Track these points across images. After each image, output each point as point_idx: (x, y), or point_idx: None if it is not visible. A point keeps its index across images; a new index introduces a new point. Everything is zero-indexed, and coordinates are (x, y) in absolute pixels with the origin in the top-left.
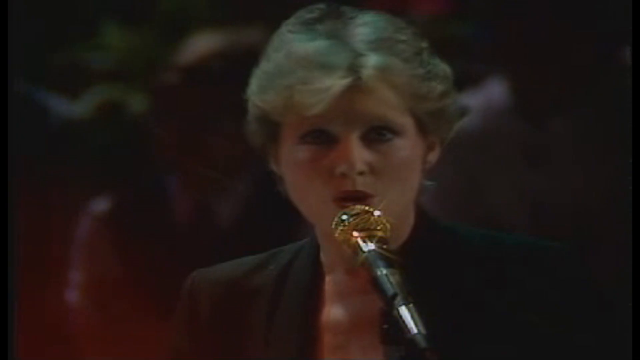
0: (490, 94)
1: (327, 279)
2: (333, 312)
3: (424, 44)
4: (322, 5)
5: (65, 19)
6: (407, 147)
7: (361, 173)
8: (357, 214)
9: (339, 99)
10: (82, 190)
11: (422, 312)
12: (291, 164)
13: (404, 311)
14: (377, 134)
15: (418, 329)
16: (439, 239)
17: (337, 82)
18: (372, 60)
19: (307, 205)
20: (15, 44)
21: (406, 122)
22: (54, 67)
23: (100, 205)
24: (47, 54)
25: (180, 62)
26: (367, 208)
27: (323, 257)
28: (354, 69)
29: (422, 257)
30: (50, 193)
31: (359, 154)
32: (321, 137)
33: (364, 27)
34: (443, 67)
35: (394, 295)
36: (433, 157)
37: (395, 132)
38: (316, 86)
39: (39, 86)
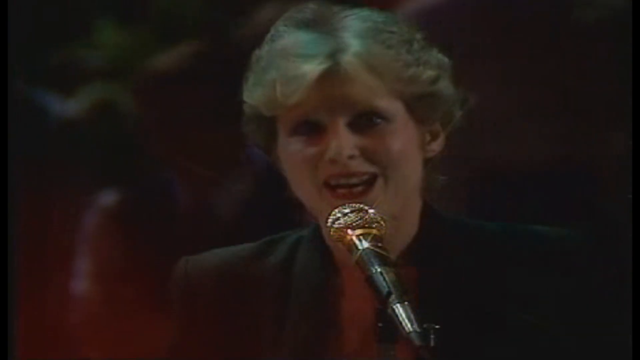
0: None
1: (343, 273)
2: (351, 306)
3: (419, 35)
4: (313, 5)
5: (60, 17)
6: (398, 131)
7: (351, 157)
8: (351, 212)
9: (319, 87)
10: (80, 187)
11: (433, 306)
12: (286, 157)
13: (399, 309)
14: (367, 119)
15: (413, 327)
16: (448, 233)
17: (313, 68)
18: (351, 47)
19: (304, 196)
20: (12, 44)
21: (394, 107)
22: (49, 66)
23: (103, 198)
24: (43, 52)
25: (175, 60)
26: (361, 206)
27: (335, 250)
28: (332, 56)
29: (433, 251)
30: (50, 191)
31: (347, 139)
32: (310, 127)
33: (353, 20)
34: (439, 57)
35: (389, 293)
36: (437, 146)
37: (383, 117)
38: (293, 74)
39: (35, 85)
